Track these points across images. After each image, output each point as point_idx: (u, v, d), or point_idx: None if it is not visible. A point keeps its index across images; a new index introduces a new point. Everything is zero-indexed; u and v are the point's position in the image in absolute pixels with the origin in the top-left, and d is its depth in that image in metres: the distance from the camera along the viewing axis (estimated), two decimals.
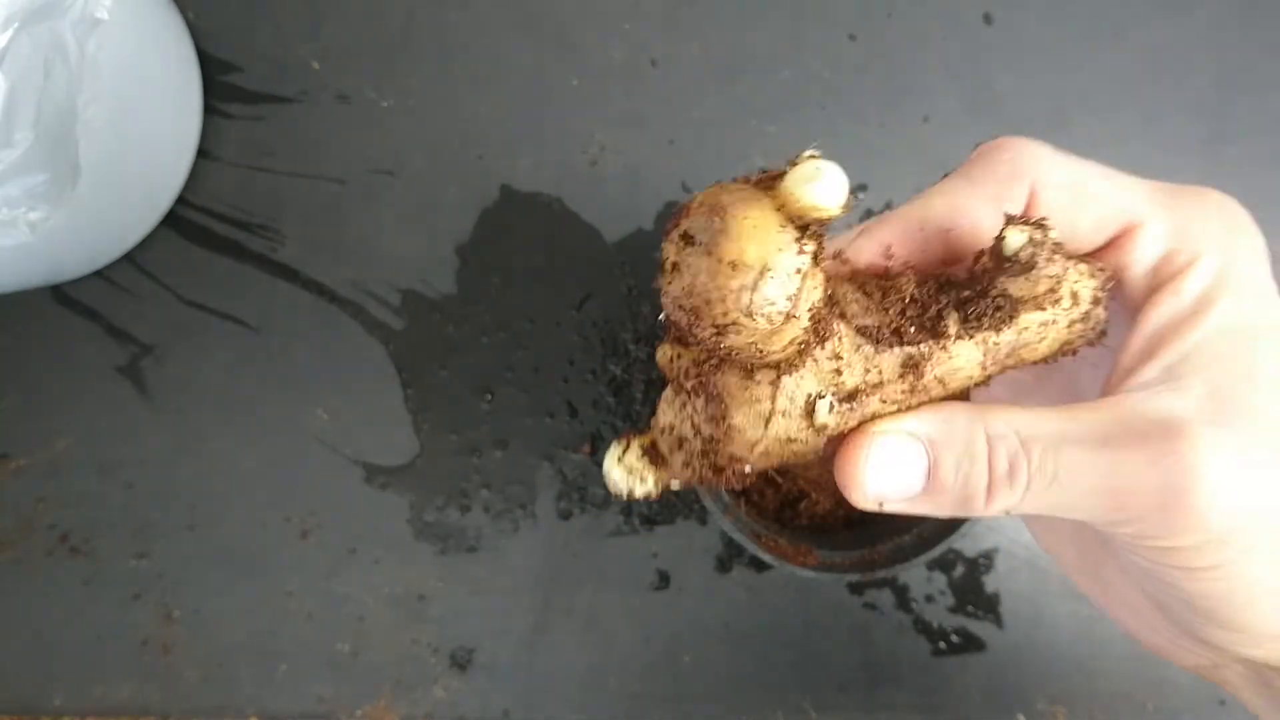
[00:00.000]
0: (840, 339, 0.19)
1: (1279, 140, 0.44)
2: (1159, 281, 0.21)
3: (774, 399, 0.19)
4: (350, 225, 0.45)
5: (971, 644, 0.44)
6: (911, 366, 0.20)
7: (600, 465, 0.45)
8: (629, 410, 0.45)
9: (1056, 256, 0.20)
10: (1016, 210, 0.21)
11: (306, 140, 0.45)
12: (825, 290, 0.19)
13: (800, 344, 0.19)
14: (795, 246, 0.17)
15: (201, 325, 0.45)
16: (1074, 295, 0.21)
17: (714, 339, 0.18)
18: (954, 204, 0.21)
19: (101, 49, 0.35)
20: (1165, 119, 0.44)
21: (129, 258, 0.45)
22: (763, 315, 0.17)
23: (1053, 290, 0.20)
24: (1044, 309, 0.20)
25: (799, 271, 0.17)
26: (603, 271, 0.45)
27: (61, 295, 0.45)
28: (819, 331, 0.19)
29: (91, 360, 0.45)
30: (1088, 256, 0.22)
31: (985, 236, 0.21)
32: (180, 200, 0.45)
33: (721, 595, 0.44)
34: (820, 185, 0.17)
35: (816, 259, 0.17)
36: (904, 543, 0.39)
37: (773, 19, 0.45)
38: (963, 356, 0.20)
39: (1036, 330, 0.20)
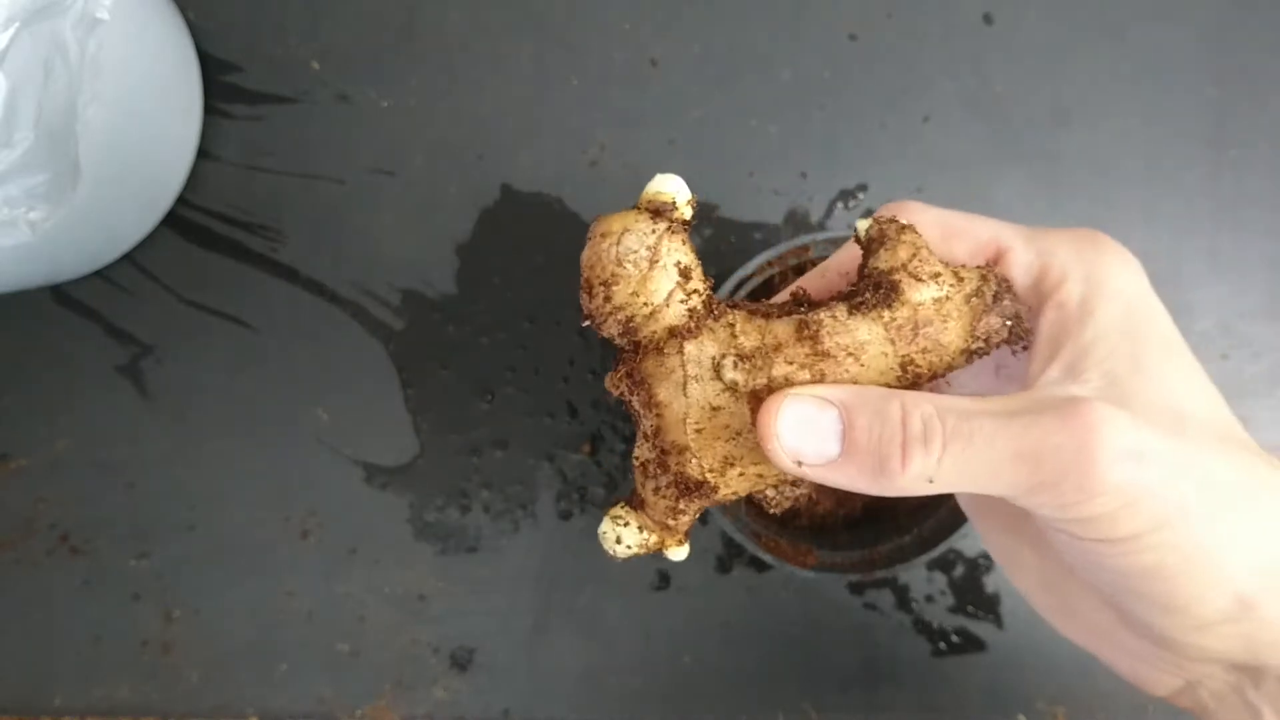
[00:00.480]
0: (734, 314, 0.22)
1: (1279, 140, 0.44)
2: (1042, 296, 0.23)
3: (684, 365, 0.22)
4: (350, 225, 0.45)
5: (971, 644, 0.44)
6: (807, 332, 0.22)
7: (600, 465, 0.45)
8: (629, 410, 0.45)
9: (906, 229, 0.22)
10: None
11: (306, 140, 0.45)
12: (691, 255, 0.22)
13: (690, 310, 0.22)
14: (648, 217, 0.22)
15: (201, 325, 0.45)
16: (956, 274, 0.22)
17: (605, 302, 0.22)
18: (848, 254, 0.26)
19: (102, 49, 0.35)
20: (1165, 119, 0.45)
21: (129, 258, 0.45)
22: (629, 261, 0.22)
23: (917, 256, 0.22)
24: (922, 280, 0.22)
25: (653, 231, 0.22)
26: None
27: (61, 295, 0.45)
28: (708, 306, 0.22)
29: (91, 360, 0.45)
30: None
31: None
32: (180, 200, 0.45)
33: (721, 595, 0.44)
34: (659, 181, 0.22)
35: (671, 229, 0.22)
36: (904, 543, 0.39)
37: (773, 19, 0.45)
38: (863, 330, 0.22)
39: (933, 307, 0.22)
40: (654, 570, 0.44)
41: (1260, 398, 0.44)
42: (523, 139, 0.45)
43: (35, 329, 0.45)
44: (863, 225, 0.23)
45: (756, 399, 0.22)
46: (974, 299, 0.22)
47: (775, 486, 0.24)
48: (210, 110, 0.45)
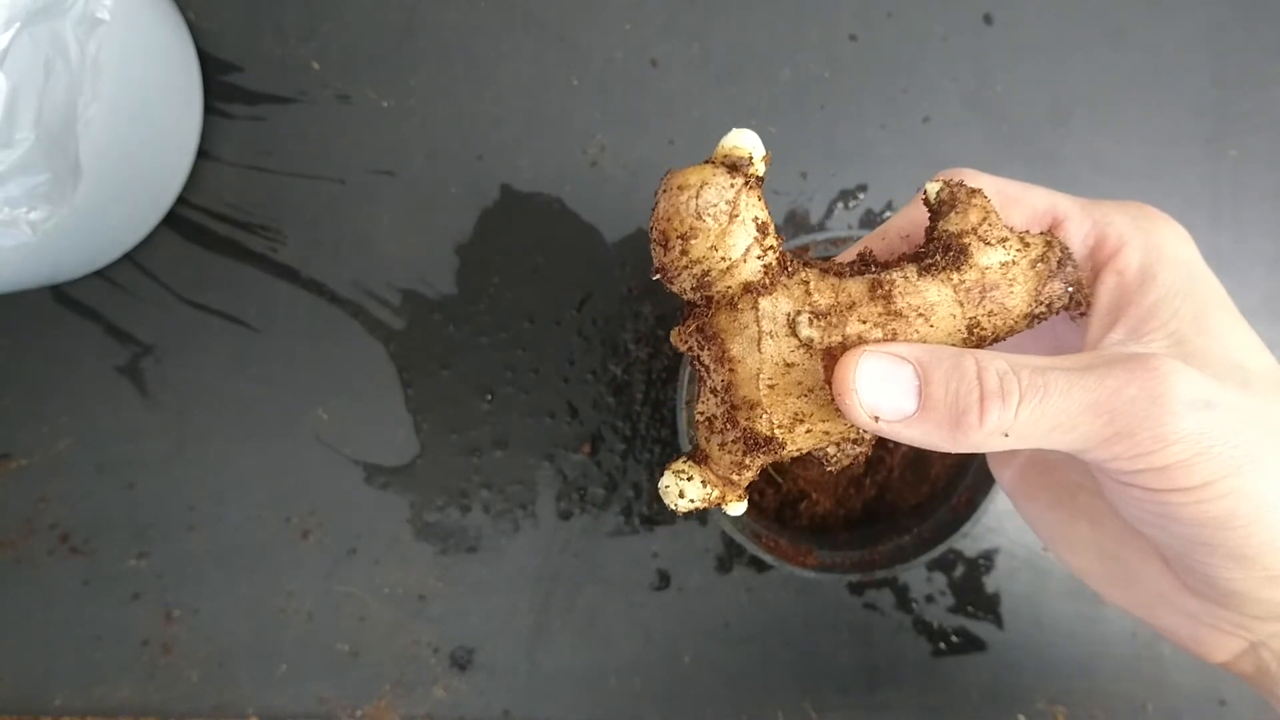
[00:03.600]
0: (808, 272, 0.23)
1: (1279, 140, 0.44)
2: (1099, 264, 0.24)
3: (758, 320, 0.22)
4: (350, 225, 0.45)
5: (971, 644, 0.44)
6: (880, 292, 0.22)
7: (600, 465, 0.45)
8: (629, 410, 0.45)
9: (976, 193, 0.23)
10: None
11: (306, 140, 0.45)
12: (766, 212, 0.22)
13: (765, 266, 0.22)
14: (725, 171, 0.22)
15: (201, 325, 0.45)
16: (1022, 239, 0.23)
17: (681, 255, 0.22)
18: (908, 217, 0.26)
19: (102, 49, 0.35)
20: (1165, 118, 0.45)
21: (129, 258, 0.45)
22: (709, 214, 0.21)
23: (987, 221, 0.22)
24: (991, 244, 0.22)
25: (732, 185, 0.22)
26: (603, 271, 0.45)
27: (61, 295, 0.45)
28: (782, 263, 0.22)
29: (91, 360, 0.45)
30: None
31: None
32: (180, 200, 0.45)
33: (721, 595, 0.44)
34: (735, 135, 0.22)
35: (748, 184, 0.22)
36: (904, 543, 0.39)
37: (773, 19, 0.45)
38: (932, 291, 0.22)
39: (1000, 271, 0.22)
40: (654, 570, 0.44)
41: None
42: (523, 139, 0.45)
43: (35, 329, 0.45)
44: (933, 188, 0.24)
45: (830, 356, 0.22)
46: (1039, 264, 0.23)
47: (837, 444, 0.25)
48: (210, 110, 0.45)
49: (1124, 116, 0.45)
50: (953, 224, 0.23)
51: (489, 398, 0.45)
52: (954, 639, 0.44)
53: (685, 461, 0.24)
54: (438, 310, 0.45)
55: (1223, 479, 0.20)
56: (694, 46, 0.45)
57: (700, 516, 0.44)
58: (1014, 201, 0.25)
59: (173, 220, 0.45)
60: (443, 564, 0.44)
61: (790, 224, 0.45)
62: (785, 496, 0.43)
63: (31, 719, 0.44)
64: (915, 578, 0.44)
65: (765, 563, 0.39)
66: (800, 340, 0.22)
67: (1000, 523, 0.44)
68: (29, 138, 0.33)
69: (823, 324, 0.22)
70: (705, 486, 0.24)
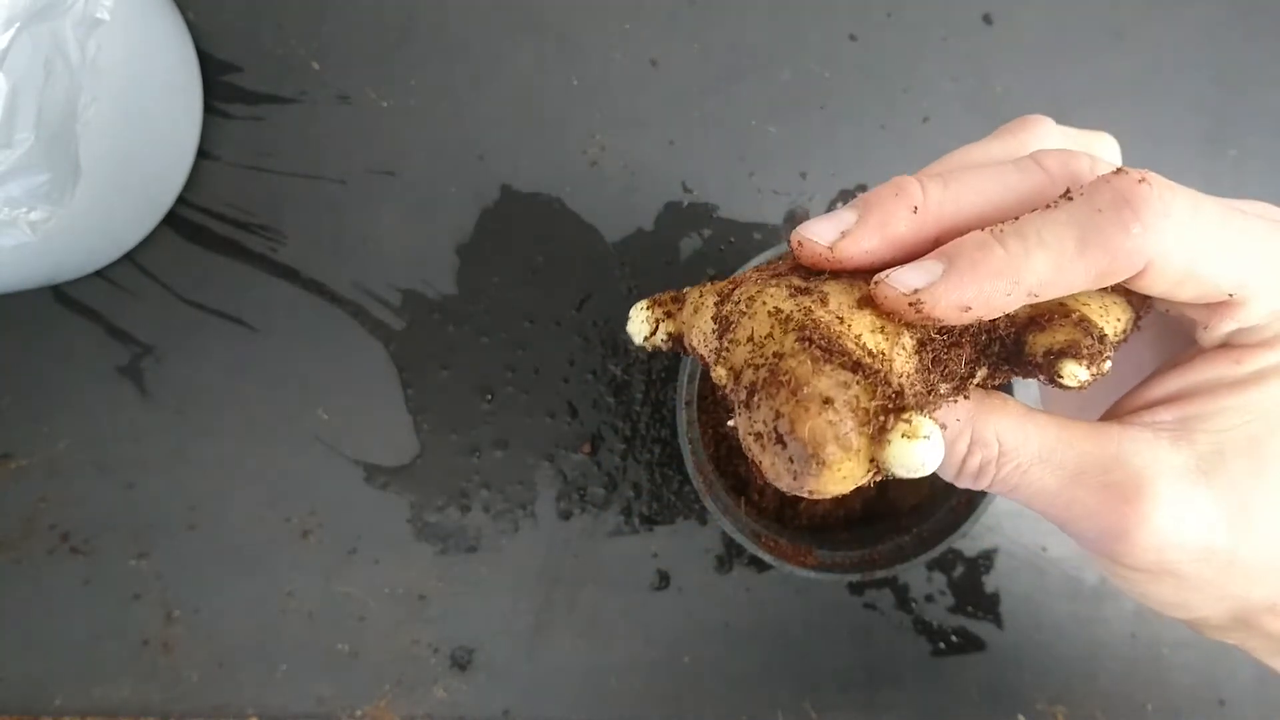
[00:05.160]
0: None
1: (1279, 140, 0.44)
2: (1226, 341, 0.21)
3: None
4: (350, 225, 0.45)
5: (971, 644, 0.44)
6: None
7: (600, 465, 0.45)
8: (629, 410, 0.45)
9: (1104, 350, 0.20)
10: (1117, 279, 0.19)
11: (306, 140, 0.45)
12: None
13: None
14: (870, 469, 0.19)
15: (201, 325, 0.45)
16: (1108, 306, 0.21)
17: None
18: (1058, 267, 0.19)
19: (102, 49, 0.35)
20: (1165, 119, 0.45)
21: (129, 258, 0.45)
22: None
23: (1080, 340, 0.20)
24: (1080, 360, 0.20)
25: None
26: (603, 271, 0.45)
27: (61, 295, 0.45)
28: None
29: (91, 360, 0.45)
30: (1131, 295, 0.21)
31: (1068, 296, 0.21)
32: (180, 200, 0.45)
33: (721, 595, 0.44)
34: (918, 457, 0.18)
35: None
36: (904, 543, 0.39)
37: (773, 19, 0.45)
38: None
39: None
40: (654, 570, 0.44)
41: None
42: (523, 139, 0.45)
43: (35, 329, 0.45)
44: (1080, 375, 0.19)
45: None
46: (1126, 329, 0.21)
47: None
48: (210, 110, 0.45)
49: (1124, 116, 0.45)
50: (1059, 366, 0.20)
51: (489, 398, 0.45)
52: (954, 639, 0.44)
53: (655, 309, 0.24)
54: (438, 310, 0.45)
55: (1168, 590, 0.21)
56: (694, 46, 0.45)
57: (700, 516, 0.44)
58: (1193, 281, 0.19)
59: (173, 220, 0.45)
60: (443, 564, 0.44)
61: (790, 224, 0.45)
62: (785, 496, 0.43)
63: (32, 719, 0.44)
64: (915, 578, 0.44)
65: (765, 563, 0.39)
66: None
67: (1000, 523, 0.44)
68: (29, 138, 0.33)
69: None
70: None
